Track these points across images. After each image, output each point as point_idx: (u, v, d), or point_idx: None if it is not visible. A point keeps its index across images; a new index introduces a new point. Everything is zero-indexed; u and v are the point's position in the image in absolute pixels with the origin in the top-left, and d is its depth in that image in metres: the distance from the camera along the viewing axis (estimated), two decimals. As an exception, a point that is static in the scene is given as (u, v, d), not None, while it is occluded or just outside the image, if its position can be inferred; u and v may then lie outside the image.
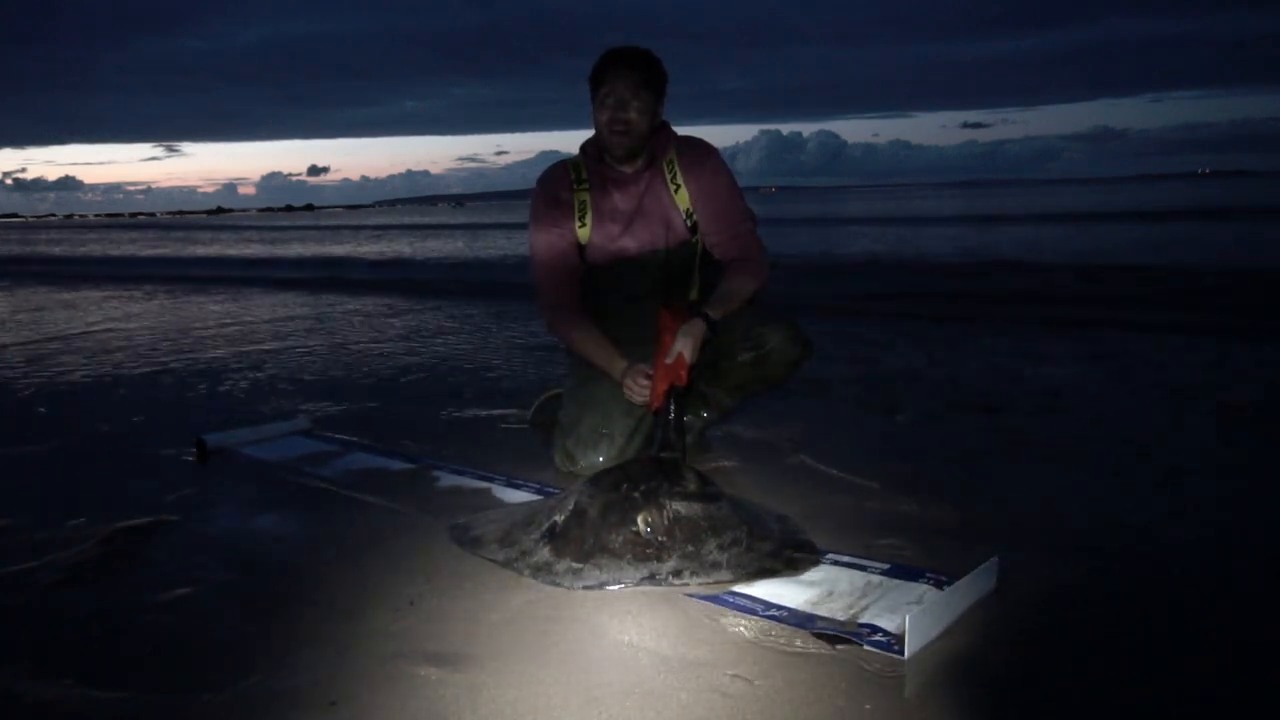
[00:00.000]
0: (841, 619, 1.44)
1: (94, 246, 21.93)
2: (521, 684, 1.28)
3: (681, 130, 2.28)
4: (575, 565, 1.63)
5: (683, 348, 1.99)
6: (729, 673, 1.30)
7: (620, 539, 1.64)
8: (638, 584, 1.58)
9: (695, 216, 2.24)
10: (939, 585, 1.53)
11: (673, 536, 1.63)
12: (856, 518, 1.92)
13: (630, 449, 2.18)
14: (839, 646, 1.36)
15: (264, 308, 6.65)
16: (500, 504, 2.07)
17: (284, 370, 3.95)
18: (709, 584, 1.57)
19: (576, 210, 2.25)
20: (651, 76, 2.12)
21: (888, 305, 5.54)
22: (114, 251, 19.24)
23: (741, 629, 1.43)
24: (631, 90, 2.10)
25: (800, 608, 1.49)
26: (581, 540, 1.66)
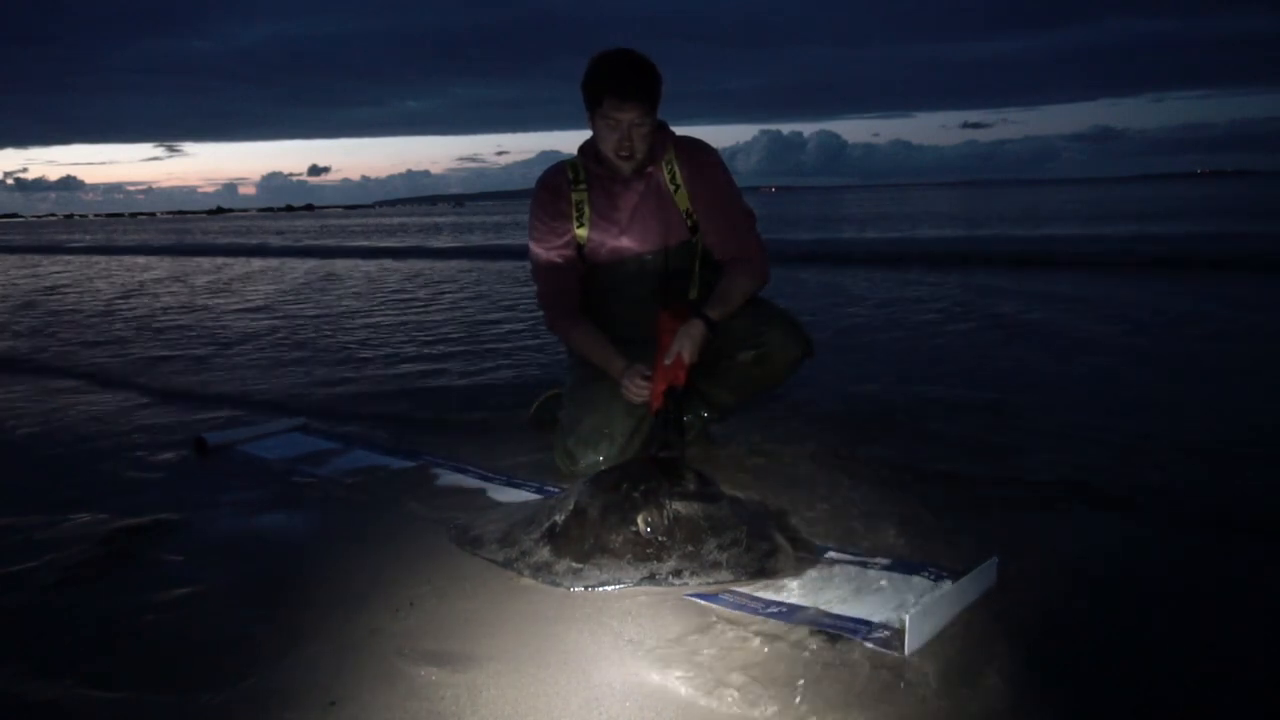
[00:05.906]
0: (842, 616, 1.44)
1: None
2: (521, 684, 1.28)
3: (681, 130, 2.28)
4: (575, 565, 1.62)
5: (682, 349, 2.00)
6: (729, 672, 1.29)
7: (620, 539, 1.64)
8: (638, 584, 1.58)
9: (694, 216, 2.24)
10: (939, 580, 1.54)
11: (673, 536, 1.63)
12: (857, 517, 1.92)
13: (630, 449, 2.18)
14: (839, 644, 1.36)
15: None
16: (500, 504, 2.07)
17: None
18: (709, 584, 1.57)
19: (575, 211, 2.25)
20: (652, 95, 2.09)
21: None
22: None
23: (741, 628, 1.43)
24: (637, 117, 2.08)
25: (800, 606, 1.49)
26: (581, 540, 1.66)
